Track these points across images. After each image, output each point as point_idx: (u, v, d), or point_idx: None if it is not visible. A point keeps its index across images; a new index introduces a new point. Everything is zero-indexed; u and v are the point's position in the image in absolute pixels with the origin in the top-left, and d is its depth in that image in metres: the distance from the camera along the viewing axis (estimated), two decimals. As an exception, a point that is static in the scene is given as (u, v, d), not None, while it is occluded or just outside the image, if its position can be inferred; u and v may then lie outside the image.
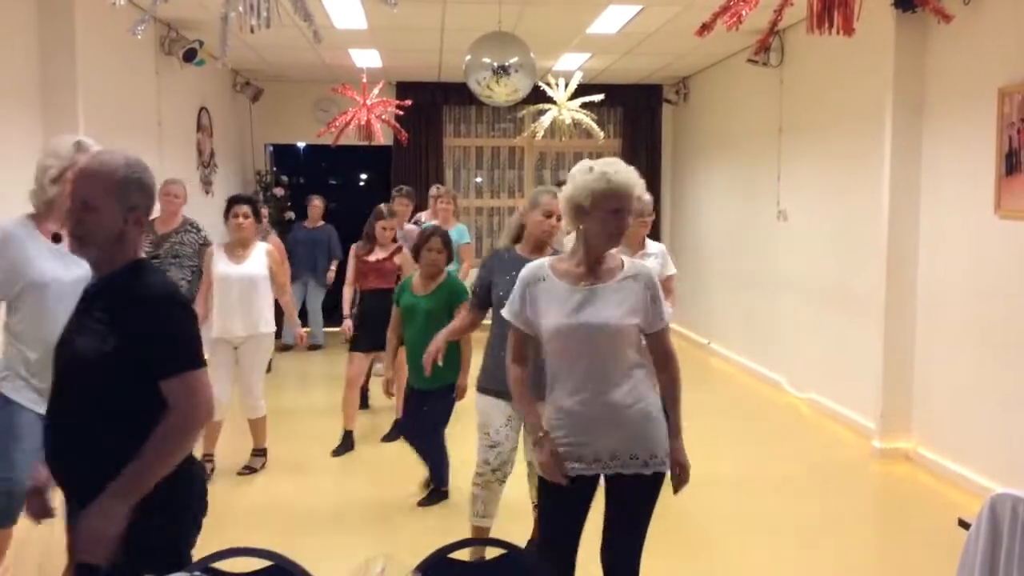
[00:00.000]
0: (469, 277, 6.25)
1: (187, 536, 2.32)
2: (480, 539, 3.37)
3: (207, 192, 8.85)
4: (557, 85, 7.82)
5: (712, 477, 5.47)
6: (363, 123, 8.24)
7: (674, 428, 2.90)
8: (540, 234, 3.78)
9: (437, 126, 11.24)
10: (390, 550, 4.37)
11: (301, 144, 13.08)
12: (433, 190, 8.05)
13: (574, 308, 2.74)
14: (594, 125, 7.93)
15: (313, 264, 9.52)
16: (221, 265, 5.27)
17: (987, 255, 5.22)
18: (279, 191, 10.93)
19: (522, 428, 3.83)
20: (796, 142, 7.77)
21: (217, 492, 5.14)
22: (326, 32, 4.40)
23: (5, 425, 3.16)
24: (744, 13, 3.24)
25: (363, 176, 16.14)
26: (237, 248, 5.32)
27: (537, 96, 7.48)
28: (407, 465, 5.16)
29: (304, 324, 9.73)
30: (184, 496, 2.27)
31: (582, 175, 2.76)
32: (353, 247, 6.21)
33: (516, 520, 4.14)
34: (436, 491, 5.07)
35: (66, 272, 3.09)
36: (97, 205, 2.18)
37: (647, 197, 4.58)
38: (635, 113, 11.48)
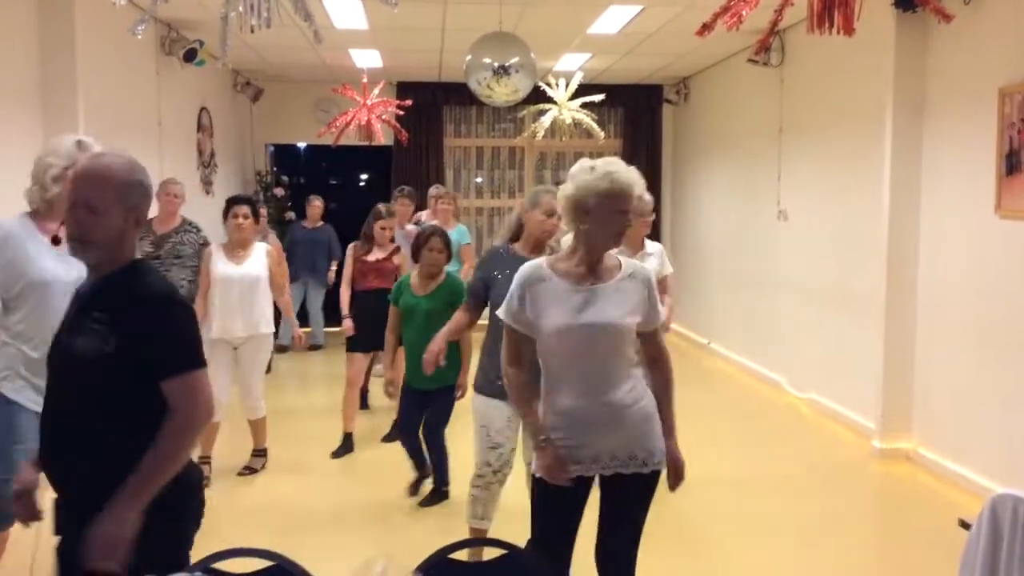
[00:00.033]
0: (469, 277, 6.25)
1: (187, 539, 2.32)
2: (481, 539, 3.36)
3: (207, 192, 8.85)
4: (557, 85, 7.82)
5: (712, 477, 5.47)
6: (363, 123, 8.25)
7: (669, 426, 2.90)
8: (541, 233, 3.76)
9: (437, 126, 11.24)
10: (390, 550, 4.37)
11: (301, 144, 13.08)
12: (433, 190, 8.05)
13: (577, 308, 2.72)
14: (594, 125, 7.93)
15: (313, 264, 9.51)
16: (221, 265, 5.26)
17: (987, 255, 5.22)
18: (279, 191, 10.93)
19: (520, 429, 3.81)
20: (796, 142, 7.76)
21: (217, 492, 5.16)
22: (326, 32, 4.41)
23: (5, 425, 3.15)
24: (744, 13, 3.25)
25: (363, 176, 16.13)
26: (236, 248, 5.32)
27: (538, 96, 7.49)
28: (407, 466, 5.15)
29: (304, 324, 9.75)
30: (182, 499, 2.27)
31: (584, 175, 2.73)
32: (351, 247, 6.19)
33: (513, 521, 4.13)
34: (436, 491, 5.07)
35: (67, 271, 3.09)
36: (102, 208, 2.19)
37: (648, 197, 4.60)
38: (635, 113, 11.48)
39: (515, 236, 3.91)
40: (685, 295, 10.55)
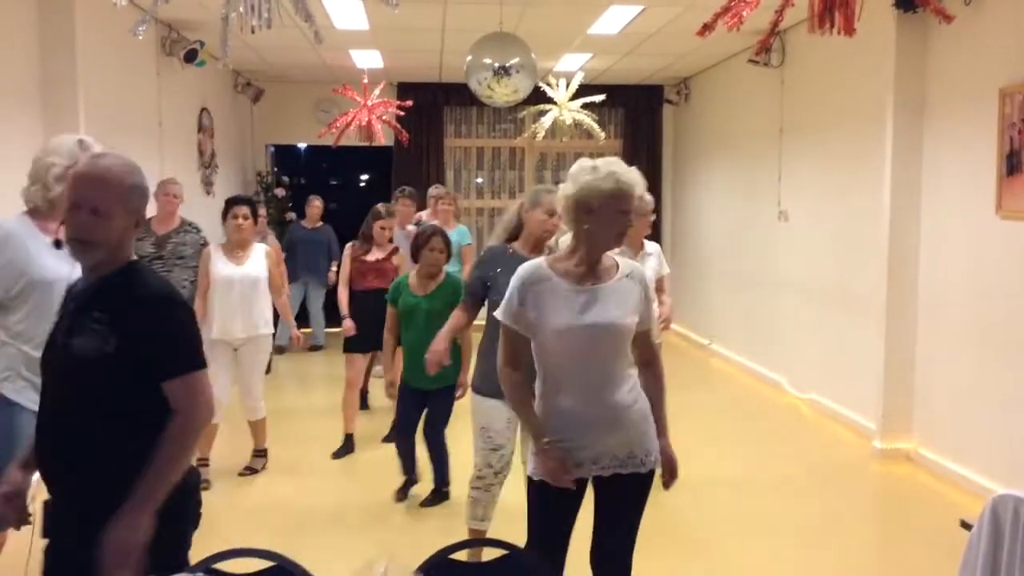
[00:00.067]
0: (470, 277, 6.24)
1: (186, 541, 2.32)
2: (483, 540, 3.35)
3: (208, 193, 8.86)
4: (558, 85, 7.82)
5: (712, 477, 5.47)
6: (364, 124, 8.25)
7: (662, 426, 2.90)
8: (542, 233, 3.75)
9: (438, 127, 11.24)
10: (391, 551, 4.38)
11: (302, 145, 13.08)
12: (433, 190, 8.05)
13: (580, 309, 2.70)
14: (595, 126, 7.93)
15: (314, 264, 9.49)
16: (221, 266, 5.25)
17: (988, 255, 5.22)
18: (280, 192, 10.93)
19: (519, 429, 3.80)
20: (797, 142, 7.76)
21: (218, 493, 5.16)
22: (327, 33, 4.40)
23: (7, 427, 3.15)
24: (745, 14, 3.25)
25: (364, 177, 16.13)
26: (236, 249, 5.31)
27: (538, 97, 7.49)
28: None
29: (305, 325, 9.75)
30: (179, 501, 2.27)
31: (587, 174, 2.71)
32: (348, 246, 6.15)
33: (511, 521, 4.12)
34: (437, 491, 5.07)
35: (69, 271, 3.09)
36: (106, 211, 2.19)
37: (648, 197, 4.61)
38: (636, 113, 11.48)
39: (512, 235, 3.88)
40: (686, 295, 10.55)
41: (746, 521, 4.85)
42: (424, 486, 5.13)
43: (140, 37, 3.77)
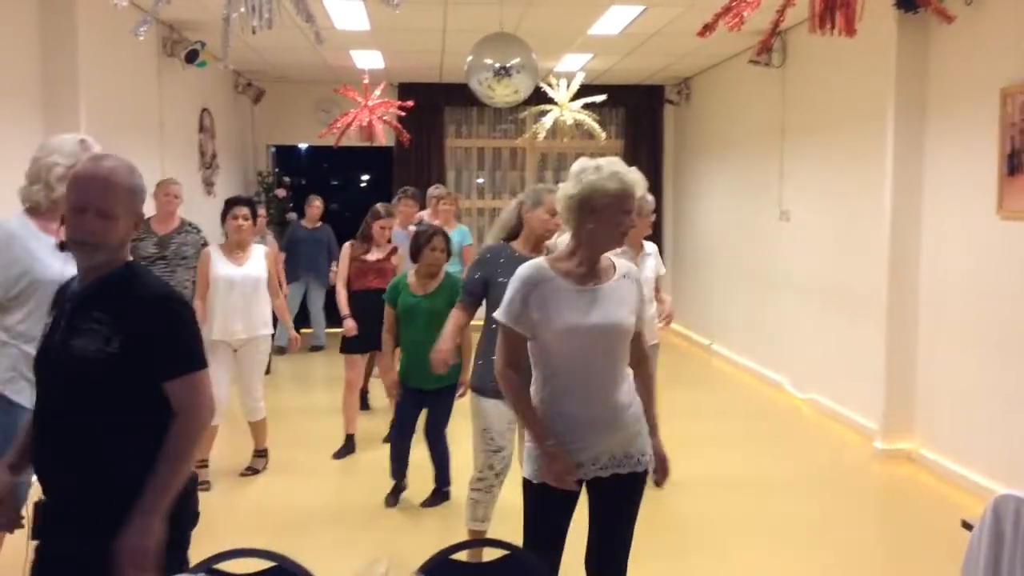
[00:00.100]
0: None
1: (185, 540, 2.32)
2: (484, 540, 3.35)
3: (209, 193, 8.86)
4: (559, 86, 7.82)
5: (713, 478, 5.47)
6: (365, 124, 8.25)
7: (654, 424, 2.91)
8: (544, 232, 3.74)
9: (439, 127, 11.24)
10: (392, 551, 4.37)
11: (303, 145, 13.09)
12: (433, 190, 8.05)
13: (584, 309, 2.69)
14: (596, 126, 7.93)
15: (314, 264, 9.48)
16: (221, 267, 5.25)
17: (989, 256, 5.21)
18: (281, 192, 10.94)
19: (517, 430, 3.79)
20: (798, 143, 7.76)
21: (218, 493, 5.16)
22: (328, 33, 4.41)
23: (10, 428, 3.15)
24: (746, 14, 3.25)
25: (365, 177, 16.14)
26: (235, 250, 5.31)
27: (539, 97, 7.49)
28: (409, 465, 5.13)
29: (306, 325, 9.76)
30: (177, 502, 2.27)
31: (591, 174, 2.68)
32: (347, 246, 6.13)
33: (510, 521, 4.12)
34: (438, 492, 5.06)
35: (72, 270, 3.08)
36: (112, 213, 2.20)
37: (650, 197, 4.61)
38: (637, 114, 11.48)
39: (511, 235, 3.86)
40: (687, 296, 10.56)
41: (747, 521, 4.85)
42: (424, 486, 5.13)
43: (141, 38, 3.77)
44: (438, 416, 4.92)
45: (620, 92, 10.29)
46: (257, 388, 5.48)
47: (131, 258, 2.33)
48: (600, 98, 7.87)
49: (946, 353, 5.66)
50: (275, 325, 5.64)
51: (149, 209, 5.69)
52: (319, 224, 9.64)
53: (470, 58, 6.31)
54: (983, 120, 5.19)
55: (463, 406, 4.24)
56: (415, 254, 4.93)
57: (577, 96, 7.82)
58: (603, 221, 2.68)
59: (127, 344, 2.15)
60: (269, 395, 5.81)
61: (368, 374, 6.82)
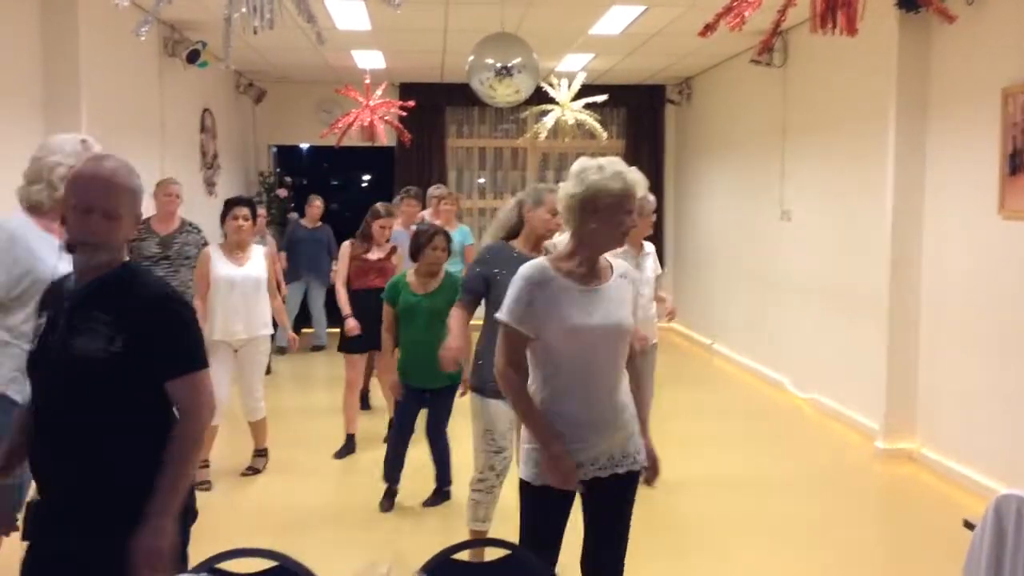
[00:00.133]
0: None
1: (186, 535, 2.33)
2: (486, 540, 3.34)
3: (210, 193, 8.86)
4: (560, 86, 7.82)
5: (714, 478, 5.47)
6: (366, 124, 8.25)
7: (645, 423, 2.92)
8: (545, 232, 3.74)
9: (440, 127, 11.24)
10: (393, 550, 4.37)
11: (304, 145, 13.10)
12: (433, 190, 8.05)
13: (588, 309, 2.68)
14: (597, 126, 7.94)
15: (315, 264, 9.48)
16: (222, 267, 5.24)
17: (990, 255, 5.21)
18: (283, 192, 10.94)
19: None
20: (799, 142, 7.76)
21: (219, 494, 5.17)
22: (329, 33, 4.41)
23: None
24: (747, 14, 3.25)
25: (366, 177, 16.15)
26: (236, 250, 5.31)
27: (540, 97, 7.49)
28: (409, 465, 5.13)
29: (307, 325, 9.76)
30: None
31: (594, 174, 2.67)
32: (347, 245, 6.12)
33: (509, 520, 4.12)
34: (439, 491, 5.07)
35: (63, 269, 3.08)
36: (116, 214, 2.21)
37: (651, 197, 4.61)
38: (638, 113, 11.48)
39: (511, 234, 3.85)
40: (688, 295, 10.56)
41: (747, 521, 4.85)
42: (426, 486, 5.12)
43: (143, 38, 3.77)
44: (439, 415, 4.92)
45: (621, 92, 10.29)
46: (258, 388, 5.48)
47: (127, 258, 2.33)
48: (601, 98, 7.87)
49: (947, 353, 5.65)
50: (275, 325, 5.64)
51: (148, 209, 5.71)
52: (319, 224, 9.64)
53: (471, 58, 6.31)
54: (984, 120, 5.19)
55: (463, 405, 4.24)
56: (416, 253, 4.92)
57: (578, 96, 7.82)
58: (605, 221, 2.67)
59: (130, 344, 2.16)
60: (269, 395, 5.82)
61: (369, 374, 6.82)
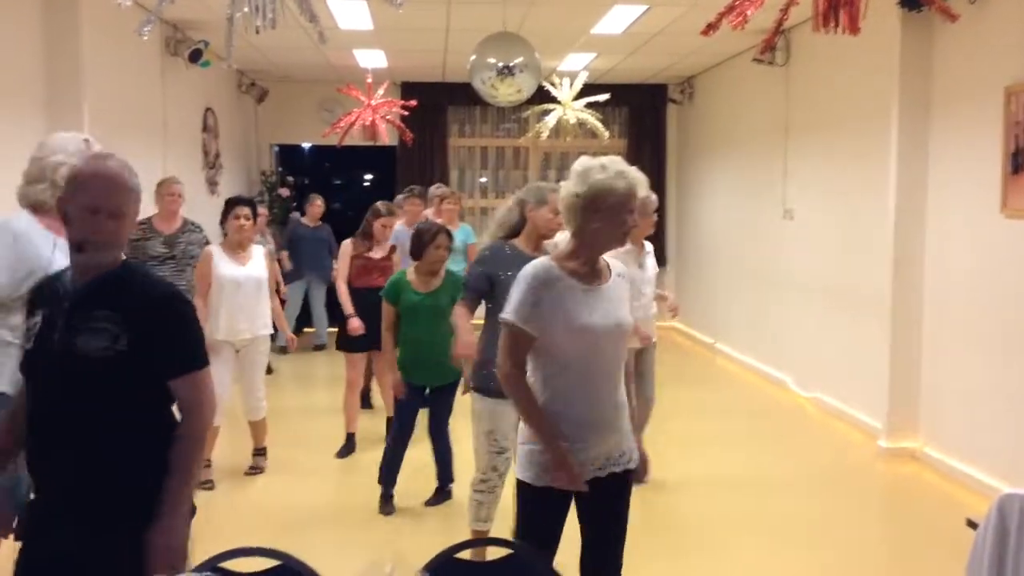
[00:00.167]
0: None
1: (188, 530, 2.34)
2: (488, 539, 3.33)
3: (213, 193, 8.87)
4: (562, 85, 7.82)
5: (717, 477, 5.47)
6: (368, 123, 8.25)
7: (636, 422, 2.93)
8: (548, 231, 3.74)
9: (442, 126, 11.24)
10: (394, 550, 4.37)
11: (306, 144, 13.10)
12: (435, 189, 8.05)
13: (592, 308, 2.68)
14: (599, 125, 7.93)
15: (316, 262, 9.47)
16: (225, 266, 5.23)
17: (993, 254, 5.21)
18: (285, 191, 10.94)
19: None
20: (802, 141, 7.75)
21: (220, 493, 5.17)
22: (331, 33, 4.42)
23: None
24: (750, 13, 3.24)
25: (368, 176, 16.15)
26: (237, 249, 5.31)
27: (542, 96, 7.48)
28: (409, 465, 5.13)
29: (308, 324, 9.77)
30: None
31: (597, 173, 2.66)
32: (348, 244, 6.11)
33: (508, 520, 4.12)
34: (441, 490, 5.06)
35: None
36: (124, 213, 2.22)
37: (653, 196, 4.61)
38: (640, 113, 11.47)
39: (512, 233, 3.84)
40: (690, 294, 10.56)
41: (750, 520, 4.84)
42: (427, 485, 5.12)
43: (145, 37, 3.77)
44: (441, 413, 4.93)
45: (623, 91, 10.28)
46: (259, 387, 5.48)
47: (124, 257, 2.33)
48: (603, 97, 7.86)
49: (950, 351, 5.65)
50: (273, 325, 5.65)
51: (150, 208, 5.72)
52: (320, 223, 9.65)
53: (473, 57, 6.31)
54: (987, 118, 5.18)
55: (463, 405, 4.23)
56: (418, 252, 4.90)
57: (580, 95, 7.81)
58: (608, 220, 2.67)
59: (134, 342, 2.16)
60: (270, 395, 5.81)
61: (370, 373, 6.82)
